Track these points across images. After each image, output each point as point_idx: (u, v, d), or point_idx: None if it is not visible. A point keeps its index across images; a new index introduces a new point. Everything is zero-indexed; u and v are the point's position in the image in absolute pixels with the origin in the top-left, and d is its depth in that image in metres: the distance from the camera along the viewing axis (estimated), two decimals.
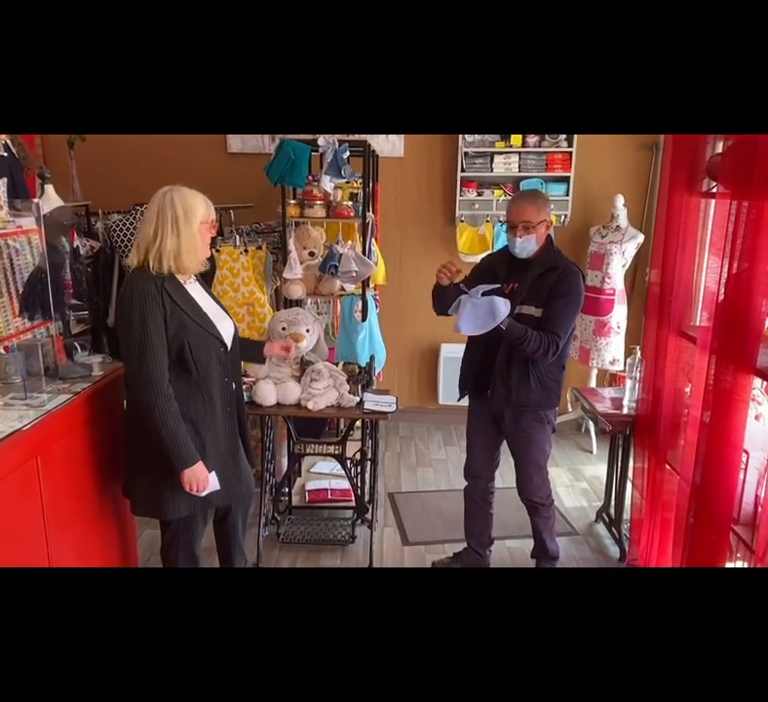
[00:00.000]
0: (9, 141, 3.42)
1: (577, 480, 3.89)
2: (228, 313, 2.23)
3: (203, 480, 2.02)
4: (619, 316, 4.08)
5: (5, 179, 3.15)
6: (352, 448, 3.17)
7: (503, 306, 2.29)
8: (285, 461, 3.39)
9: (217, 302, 2.21)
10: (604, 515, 3.31)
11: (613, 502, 3.20)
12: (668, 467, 2.75)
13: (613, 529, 3.18)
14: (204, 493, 2.06)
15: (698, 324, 2.60)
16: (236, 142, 4.35)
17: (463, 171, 4.18)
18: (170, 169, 3.57)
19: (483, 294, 2.30)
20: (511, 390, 2.51)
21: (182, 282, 2.03)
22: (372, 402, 2.86)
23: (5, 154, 3.39)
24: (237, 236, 3.23)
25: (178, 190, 1.97)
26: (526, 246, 2.46)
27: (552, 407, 2.59)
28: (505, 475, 2.81)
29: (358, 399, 2.86)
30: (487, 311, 2.28)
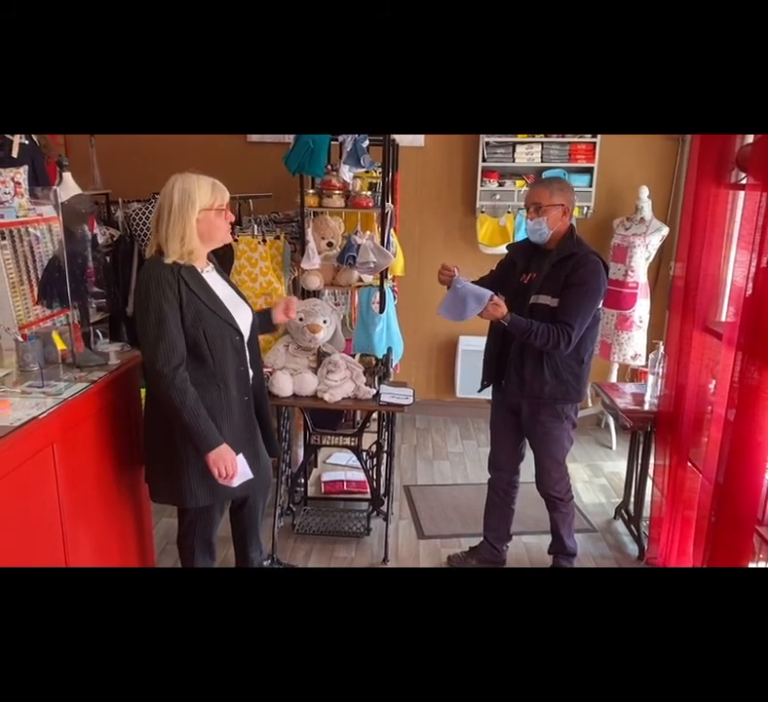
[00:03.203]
0: None
1: (596, 476, 3.84)
2: (247, 302, 2.21)
3: (230, 462, 1.99)
4: (641, 310, 4.01)
5: (26, 167, 3.16)
6: (368, 441, 3.16)
7: (471, 303, 2.29)
8: (301, 452, 3.38)
9: (236, 291, 2.20)
10: (623, 512, 3.27)
11: (632, 499, 3.15)
12: (689, 465, 2.70)
13: (632, 527, 3.13)
14: (236, 483, 2.03)
15: (724, 319, 2.54)
16: None
17: (484, 160, 4.12)
18: (189, 158, 3.54)
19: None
20: (524, 381, 2.47)
21: (199, 270, 2.02)
22: (389, 394, 2.83)
23: (26, 142, 3.40)
24: (255, 225, 3.21)
25: (184, 177, 1.96)
26: (537, 228, 2.42)
27: (570, 401, 2.53)
28: (524, 469, 2.77)
29: (374, 391, 2.83)
30: (459, 302, 2.30)
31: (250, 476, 2.08)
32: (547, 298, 2.41)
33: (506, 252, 2.71)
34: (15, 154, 3.31)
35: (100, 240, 3.94)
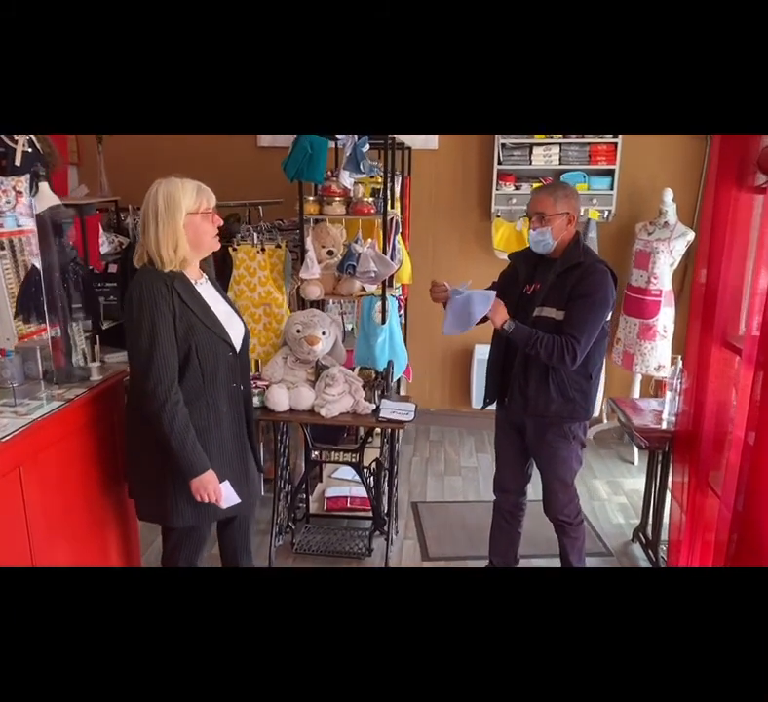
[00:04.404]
0: (33, 137, 3.39)
1: (615, 493, 3.65)
2: (239, 315, 2.14)
3: (212, 490, 1.92)
4: (665, 319, 3.81)
5: (27, 176, 3.12)
6: (372, 456, 3.04)
7: (478, 304, 2.17)
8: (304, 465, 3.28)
9: (229, 303, 2.12)
10: (641, 535, 3.08)
11: (651, 521, 2.97)
12: (710, 488, 2.52)
13: (650, 552, 2.95)
14: (224, 506, 1.97)
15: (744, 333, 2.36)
16: (266, 137, 4.23)
17: (500, 163, 3.96)
18: (199, 163, 3.49)
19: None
20: (528, 398, 2.33)
21: (193, 281, 1.94)
22: (389, 409, 2.71)
23: (30, 150, 3.36)
24: (255, 234, 3.11)
25: (168, 182, 1.88)
26: (540, 239, 2.28)
27: (577, 420, 2.38)
28: (533, 488, 2.62)
29: (374, 406, 2.71)
30: (464, 307, 2.19)
31: (238, 500, 2.01)
32: (551, 311, 2.27)
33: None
34: (18, 162, 3.28)
35: (108, 248, 3.91)
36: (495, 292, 2.23)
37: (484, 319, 2.24)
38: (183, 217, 1.85)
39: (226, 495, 1.97)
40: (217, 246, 2.02)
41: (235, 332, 2.03)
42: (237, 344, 2.03)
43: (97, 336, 3.75)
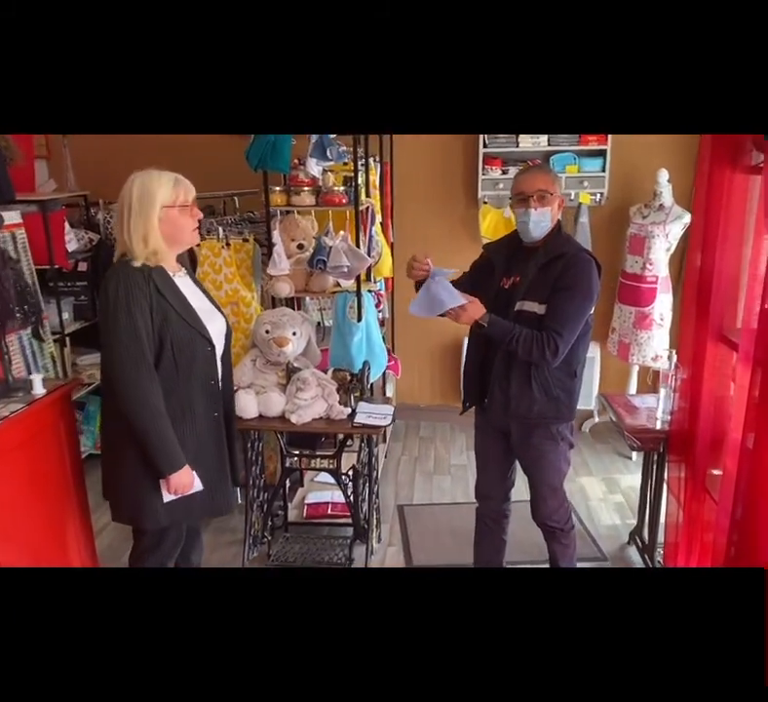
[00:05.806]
0: None
1: (611, 492, 3.48)
2: (222, 312, 2.07)
3: (188, 485, 1.90)
4: (662, 307, 3.62)
5: None
6: (352, 460, 2.88)
7: (448, 297, 2.04)
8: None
9: (210, 299, 2.06)
10: (637, 538, 2.92)
11: (647, 522, 2.81)
12: (707, 494, 2.35)
13: (646, 556, 2.78)
14: (188, 492, 1.92)
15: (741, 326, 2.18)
16: None
17: (486, 146, 3.76)
18: (174, 152, 3.29)
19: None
20: (510, 399, 2.16)
21: (171, 274, 1.89)
22: (364, 414, 2.55)
23: None
24: (219, 228, 2.94)
25: (144, 174, 1.84)
26: (541, 220, 2.09)
27: (563, 420, 2.22)
28: (522, 489, 2.45)
29: (349, 410, 2.56)
30: (436, 294, 2.06)
31: (201, 488, 1.95)
32: (534, 305, 2.10)
33: None
34: None
35: (76, 245, 3.74)
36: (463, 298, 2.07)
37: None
38: (158, 211, 1.81)
39: (195, 484, 1.94)
40: (197, 240, 2.00)
41: (215, 328, 1.97)
42: (217, 340, 1.97)
43: (67, 339, 3.62)
